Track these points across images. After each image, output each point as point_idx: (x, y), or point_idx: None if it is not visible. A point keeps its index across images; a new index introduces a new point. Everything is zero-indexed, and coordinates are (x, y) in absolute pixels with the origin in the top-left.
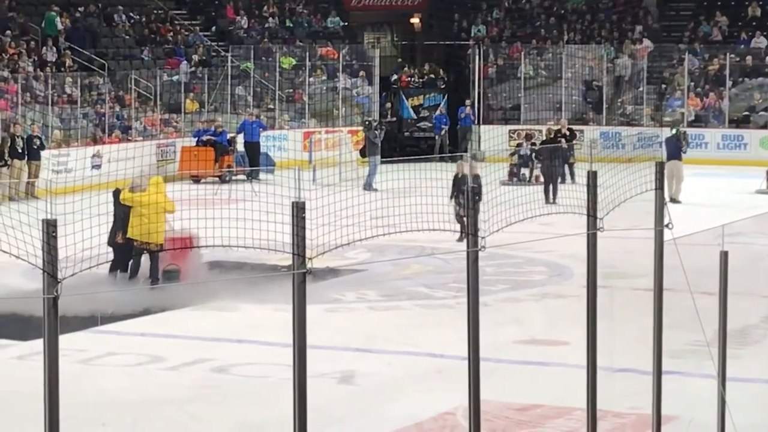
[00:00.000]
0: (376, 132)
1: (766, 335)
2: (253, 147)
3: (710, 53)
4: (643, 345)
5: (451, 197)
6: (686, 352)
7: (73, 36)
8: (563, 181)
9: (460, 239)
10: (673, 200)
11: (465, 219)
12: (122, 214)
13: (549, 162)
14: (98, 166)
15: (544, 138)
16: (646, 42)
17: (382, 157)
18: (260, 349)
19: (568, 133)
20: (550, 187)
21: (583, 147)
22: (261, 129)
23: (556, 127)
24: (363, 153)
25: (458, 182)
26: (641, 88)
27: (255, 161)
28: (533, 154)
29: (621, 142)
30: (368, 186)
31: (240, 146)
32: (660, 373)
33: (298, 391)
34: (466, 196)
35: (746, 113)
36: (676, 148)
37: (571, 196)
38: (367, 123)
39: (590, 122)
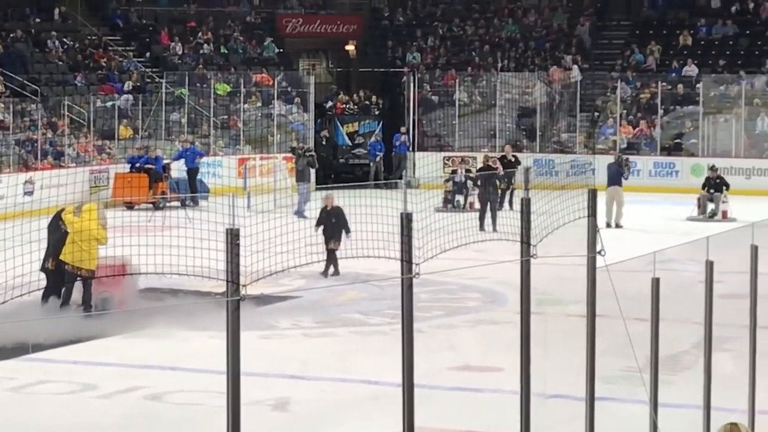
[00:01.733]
0: (305, 159)
1: (698, 361)
2: (190, 173)
3: (642, 81)
4: (576, 371)
5: (316, 228)
6: (619, 378)
7: (5, 61)
8: (500, 208)
9: (324, 273)
10: (616, 225)
11: (334, 252)
12: (54, 240)
13: (485, 189)
14: (30, 193)
15: (482, 165)
16: (575, 71)
17: (317, 184)
18: (194, 377)
19: (513, 159)
20: (486, 214)
21: (517, 174)
22: (198, 156)
23: (492, 155)
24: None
25: (325, 216)
26: (573, 115)
27: (193, 188)
28: (467, 181)
29: (554, 169)
30: (299, 213)
31: (174, 173)
32: (593, 398)
33: (231, 419)
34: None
35: (677, 141)
36: (617, 174)
37: (506, 223)
38: (291, 149)
39: (524, 149)
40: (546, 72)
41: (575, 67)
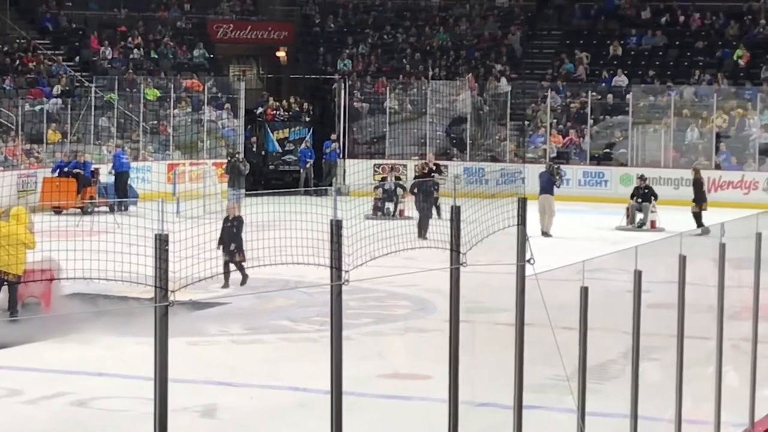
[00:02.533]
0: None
1: (625, 370)
2: (121, 177)
3: (572, 91)
4: (504, 379)
5: (219, 243)
6: (547, 387)
7: None
8: (430, 216)
9: (225, 285)
10: (545, 233)
11: (231, 264)
12: None
13: (422, 197)
14: None
15: (418, 173)
16: (503, 82)
17: (246, 190)
18: (121, 382)
19: (434, 167)
20: (425, 221)
21: (447, 182)
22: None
23: (423, 161)
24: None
25: (228, 226)
26: (503, 124)
27: (123, 192)
28: (397, 189)
29: (484, 177)
30: None
31: (103, 178)
32: (521, 407)
33: (159, 425)
34: (232, 239)
35: (607, 150)
36: (549, 183)
37: (436, 231)
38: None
39: (454, 158)
40: (464, 78)
41: (503, 78)
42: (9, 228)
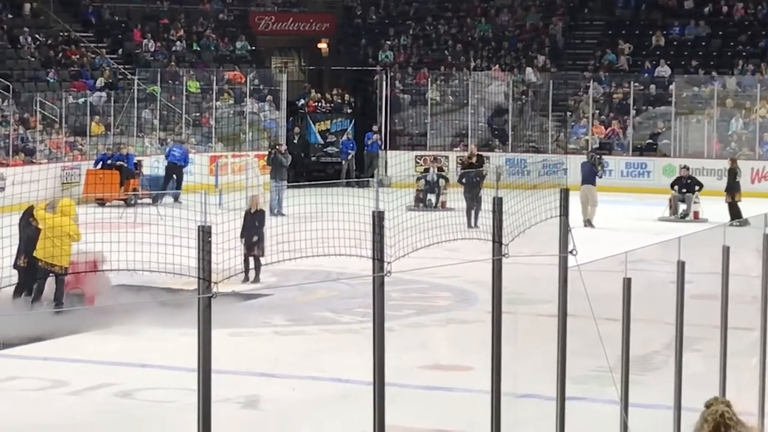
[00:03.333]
0: (272, 154)
1: (668, 361)
2: (170, 169)
3: (615, 81)
4: (546, 371)
5: (241, 236)
6: (589, 378)
7: None
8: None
9: (246, 280)
10: (587, 223)
11: (251, 259)
12: (26, 236)
13: (469, 187)
14: (2, 189)
15: (465, 164)
16: (528, 73)
17: (288, 182)
18: (165, 374)
19: (475, 160)
20: (473, 211)
21: (489, 173)
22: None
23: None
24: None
25: (249, 219)
26: (545, 115)
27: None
28: (439, 180)
29: (526, 168)
30: (272, 211)
31: (146, 170)
32: (563, 398)
33: (202, 416)
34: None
35: (650, 141)
36: (591, 173)
37: (478, 222)
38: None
39: (496, 149)
40: (489, 71)
41: (528, 69)
42: (54, 220)
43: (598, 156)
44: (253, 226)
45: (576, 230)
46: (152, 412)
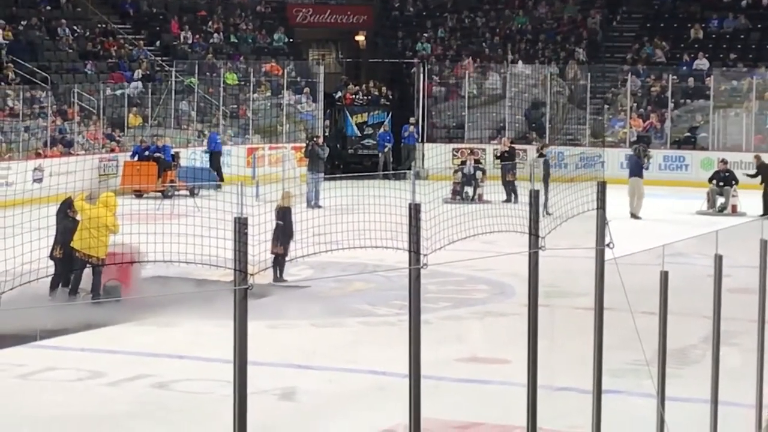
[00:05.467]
0: (309, 146)
1: (705, 355)
2: (215, 157)
3: (653, 74)
4: (583, 364)
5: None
6: (626, 372)
7: (16, 49)
8: (508, 200)
9: (276, 279)
10: (634, 216)
11: (279, 257)
12: (63, 227)
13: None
14: (39, 180)
15: (499, 154)
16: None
17: (325, 174)
18: (201, 365)
19: (506, 152)
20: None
21: (526, 166)
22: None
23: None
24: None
25: (279, 215)
26: (583, 108)
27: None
28: (476, 173)
29: (563, 161)
30: (308, 203)
31: (183, 161)
32: (600, 392)
33: (238, 408)
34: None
35: (688, 135)
36: (637, 166)
37: (514, 215)
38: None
39: (533, 142)
40: (565, 65)
41: (519, 63)
42: (92, 211)
43: (644, 148)
44: (278, 224)
45: (613, 223)
46: (189, 404)
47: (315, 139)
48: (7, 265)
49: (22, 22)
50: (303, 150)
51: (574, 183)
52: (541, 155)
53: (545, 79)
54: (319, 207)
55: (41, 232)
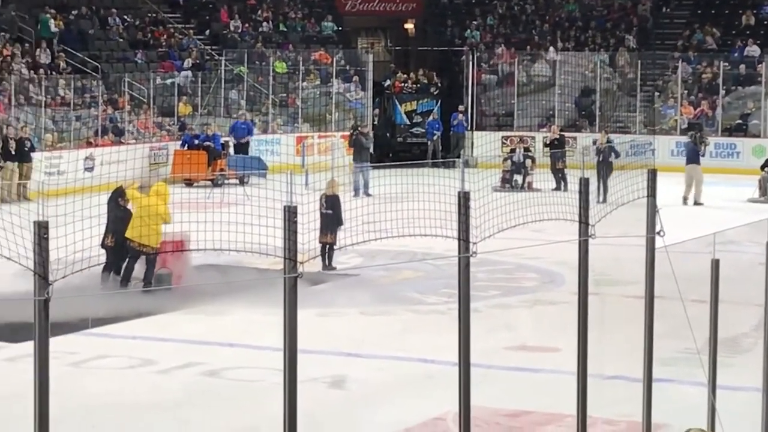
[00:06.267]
0: (354, 135)
1: (757, 344)
2: (241, 148)
3: (704, 61)
4: (633, 352)
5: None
6: (677, 360)
7: (67, 38)
8: (558, 188)
9: (325, 268)
10: (695, 203)
11: (326, 246)
12: (114, 216)
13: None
14: (91, 169)
15: (549, 142)
16: (551, 53)
17: (374, 163)
18: (251, 353)
19: (556, 140)
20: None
21: (576, 154)
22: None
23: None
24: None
25: (324, 203)
26: (633, 95)
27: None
28: (526, 161)
29: (614, 149)
30: (356, 191)
31: (232, 150)
32: (650, 380)
33: (288, 396)
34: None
35: (739, 122)
36: (694, 153)
37: (563, 203)
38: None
39: (583, 129)
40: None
41: (551, 48)
42: (144, 200)
43: (700, 134)
44: (325, 213)
45: (664, 211)
46: (239, 391)
47: (360, 128)
48: (59, 254)
49: (73, 12)
50: (348, 140)
51: (624, 170)
52: (606, 144)
53: (595, 66)
54: (369, 195)
55: (92, 220)
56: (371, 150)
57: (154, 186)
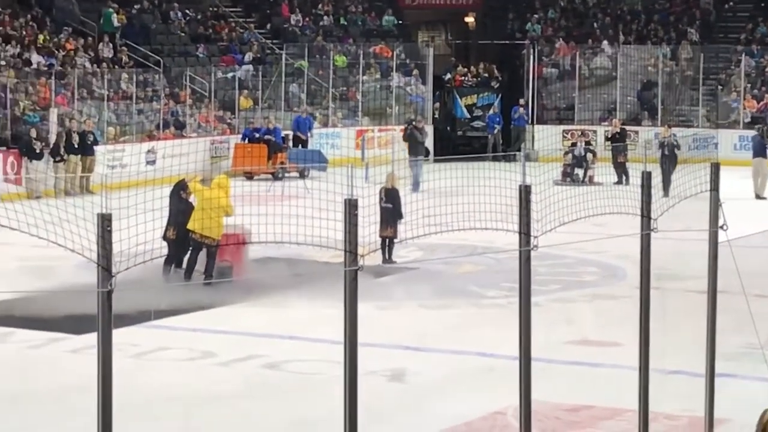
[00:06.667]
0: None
1: None
2: (302, 142)
3: (767, 54)
4: (695, 347)
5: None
6: (740, 355)
7: (129, 32)
8: (619, 181)
9: (385, 261)
10: (758, 197)
11: (387, 239)
12: (176, 209)
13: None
14: (153, 162)
15: (610, 136)
16: (605, 46)
17: (435, 156)
18: (311, 346)
19: (617, 133)
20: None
21: (637, 148)
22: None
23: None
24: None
25: (384, 197)
26: (696, 89)
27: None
28: (587, 155)
29: (676, 143)
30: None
31: (293, 144)
32: (713, 375)
33: (348, 389)
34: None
35: None
36: (761, 146)
37: (625, 196)
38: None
39: (644, 123)
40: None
41: (606, 42)
42: (206, 192)
43: (766, 127)
44: (385, 206)
45: (727, 205)
46: (299, 384)
47: (414, 123)
48: (121, 246)
49: (135, 7)
50: (402, 134)
51: (687, 164)
52: (670, 138)
53: (657, 59)
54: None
55: (155, 213)
56: (426, 144)
57: (215, 179)
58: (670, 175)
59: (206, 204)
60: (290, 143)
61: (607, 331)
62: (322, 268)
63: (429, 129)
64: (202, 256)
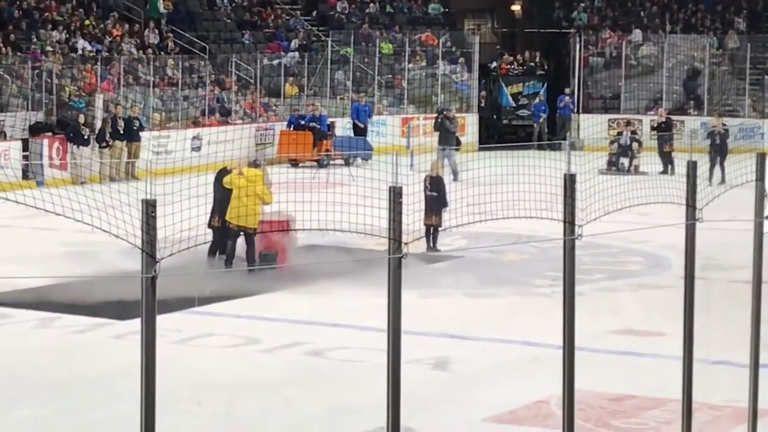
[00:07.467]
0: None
1: None
2: (360, 129)
3: None
4: (740, 338)
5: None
6: None
7: (175, 19)
8: (665, 171)
9: (430, 249)
10: None
11: (431, 227)
12: (220, 197)
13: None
14: (198, 148)
15: (656, 125)
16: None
17: (480, 144)
18: (355, 334)
19: (663, 123)
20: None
21: (683, 137)
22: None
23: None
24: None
25: (428, 185)
26: (742, 78)
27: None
28: (633, 144)
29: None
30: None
31: (338, 131)
32: (757, 366)
33: (392, 376)
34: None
35: None
36: None
37: (670, 186)
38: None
39: (690, 112)
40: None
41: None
42: (242, 180)
43: None
44: (429, 195)
45: None
46: (343, 371)
47: (445, 112)
48: (165, 232)
49: None
50: (433, 123)
51: (732, 154)
52: (720, 127)
53: (704, 49)
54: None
55: (199, 200)
56: (456, 134)
57: (251, 172)
58: (722, 165)
59: (242, 192)
60: (335, 131)
61: (651, 321)
62: (366, 256)
63: (474, 117)
64: (242, 243)
